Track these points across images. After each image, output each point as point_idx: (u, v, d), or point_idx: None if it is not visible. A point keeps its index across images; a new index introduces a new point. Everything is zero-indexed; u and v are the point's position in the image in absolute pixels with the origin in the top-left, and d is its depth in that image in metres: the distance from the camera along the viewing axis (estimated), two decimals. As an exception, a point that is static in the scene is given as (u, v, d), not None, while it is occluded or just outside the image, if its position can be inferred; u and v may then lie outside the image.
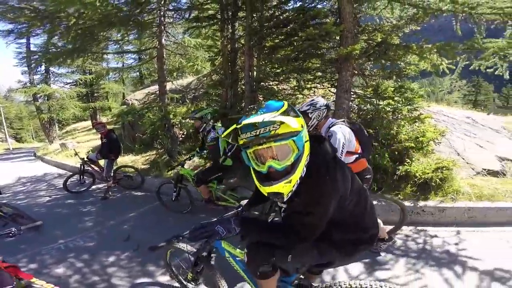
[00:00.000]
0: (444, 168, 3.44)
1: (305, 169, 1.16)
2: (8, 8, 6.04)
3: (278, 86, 5.73)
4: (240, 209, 1.85)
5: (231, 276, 1.93)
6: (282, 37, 4.74)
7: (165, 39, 6.59)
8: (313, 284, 1.58)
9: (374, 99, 4.15)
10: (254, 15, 5.18)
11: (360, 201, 1.31)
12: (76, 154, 6.38)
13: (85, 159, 5.94)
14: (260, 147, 1.10)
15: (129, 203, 5.08)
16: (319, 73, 4.95)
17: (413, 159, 3.81)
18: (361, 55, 3.89)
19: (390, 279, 2.29)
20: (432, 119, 5.00)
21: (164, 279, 2.58)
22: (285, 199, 1.19)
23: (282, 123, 1.05)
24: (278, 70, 5.12)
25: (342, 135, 2.38)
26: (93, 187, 6.22)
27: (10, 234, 1.66)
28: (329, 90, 5.30)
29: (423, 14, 3.74)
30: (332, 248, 1.35)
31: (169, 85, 7.61)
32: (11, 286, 1.23)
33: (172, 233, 3.46)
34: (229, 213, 1.84)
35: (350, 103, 4.39)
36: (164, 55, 6.69)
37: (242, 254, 1.71)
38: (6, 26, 10.64)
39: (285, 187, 1.14)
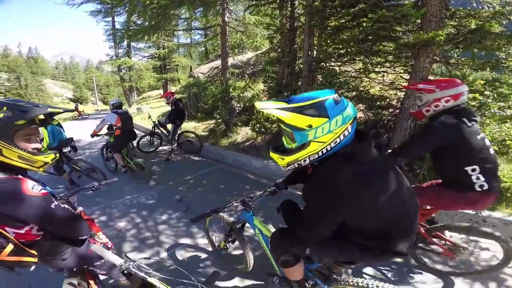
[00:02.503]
0: (530, 178, 2.84)
1: (307, 160, 1.20)
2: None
3: (341, 67, 5.34)
4: (275, 187, 1.90)
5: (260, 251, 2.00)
6: (349, 17, 4.28)
7: (227, 17, 6.73)
8: (333, 275, 1.56)
9: None
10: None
11: (397, 212, 1.16)
12: (149, 117, 7.44)
13: (156, 122, 6.79)
14: (280, 123, 1.25)
15: (187, 167, 5.65)
16: (391, 57, 4.47)
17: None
18: (447, 42, 3.32)
19: (415, 283, 2.15)
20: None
21: (202, 242, 2.86)
22: (283, 168, 1.31)
23: (278, 118, 1.14)
24: (342, 51, 4.77)
25: (108, 116, 4.71)
26: (160, 148, 7.13)
27: (93, 188, 1.90)
28: (401, 76, 4.73)
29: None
30: (355, 248, 1.27)
31: (230, 61, 7.86)
32: (87, 236, 1.42)
33: (218, 199, 3.76)
34: (267, 190, 1.90)
35: None
36: (227, 32, 6.87)
37: (270, 233, 1.75)
38: (95, 7, 12.34)
39: (278, 160, 1.28)
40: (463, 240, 2.66)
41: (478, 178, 1.76)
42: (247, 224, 2.05)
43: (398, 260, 2.39)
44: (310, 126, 1.11)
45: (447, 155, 1.83)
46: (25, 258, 1.20)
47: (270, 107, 1.15)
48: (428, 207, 2.15)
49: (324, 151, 1.15)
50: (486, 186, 1.76)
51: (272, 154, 1.33)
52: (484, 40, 3.21)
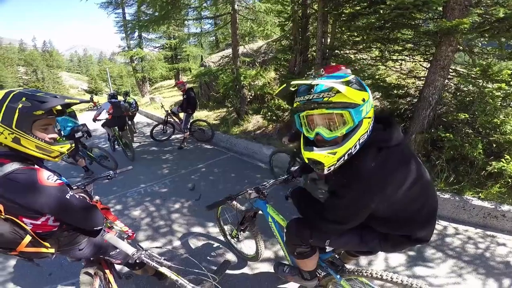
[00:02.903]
0: (556, 173, 2.70)
1: (358, 146, 1.05)
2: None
3: (356, 55, 5.17)
4: (289, 175, 1.86)
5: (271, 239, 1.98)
6: (365, 4, 4.11)
7: (237, 5, 6.63)
8: (346, 265, 1.53)
9: (479, 81, 3.41)
10: (329, -20, 4.64)
11: (419, 198, 1.13)
12: (162, 106, 7.61)
13: (169, 111, 6.91)
14: (311, 112, 1.04)
15: (199, 155, 5.73)
16: (410, 45, 4.28)
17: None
18: (471, 30, 3.20)
19: (427, 277, 2.11)
20: None
21: (214, 230, 2.89)
22: (325, 171, 1.08)
23: (338, 91, 0.96)
24: (357, 39, 4.62)
25: (104, 104, 5.95)
26: (173, 137, 7.27)
27: (108, 177, 1.91)
28: (420, 65, 4.57)
29: None
30: (376, 238, 1.24)
31: (241, 49, 7.78)
32: (102, 226, 1.41)
33: (230, 188, 3.80)
34: (281, 178, 1.87)
35: (447, 81, 3.74)
36: (237, 20, 6.77)
37: (284, 222, 1.75)
38: None
39: (327, 158, 1.04)
40: (478, 234, 2.59)
41: None
42: (259, 213, 2.04)
43: (411, 253, 2.36)
44: (363, 100, 1.01)
45: None
46: (43, 249, 1.22)
47: (325, 81, 1.01)
48: None
49: (370, 128, 1.06)
50: None
51: (312, 154, 1.05)
52: (513, 29, 3.04)
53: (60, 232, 1.31)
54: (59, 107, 1.22)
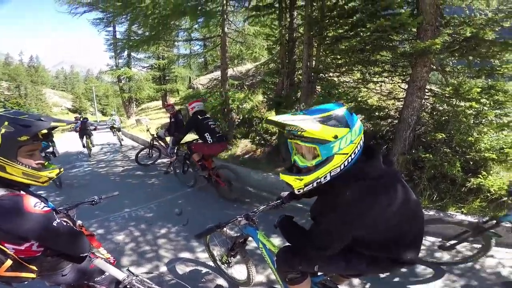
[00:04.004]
0: (531, 186, 2.85)
1: (328, 177, 1.13)
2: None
3: (339, 78, 5.42)
4: (279, 201, 1.86)
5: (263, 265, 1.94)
6: (347, 27, 4.38)
7: (227, 27, 6.83)
8: (339, 287, 1.54)
9: (453, 99, 3.61)
10: (314, 4, 4.97)
11: (404, 223, 1.17)
12: (147, 130, 7.45)
13: (155, 135, 6.79)
14: (292, 140, 1.20)
15: (186, 179, 5.49)
16: (389, 67, 4.53)
17: (491, 172, 3.23)
18: (443, 50, 3.41)
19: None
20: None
21: (203, 256, 2.79)
22: (296, 192, 1.22)
23: (303, 130, 1.07)
24: (340, 61, 4.84)
25: (78, 123, 9.09)
26: (159, 161, 7.08)
27: (93, 202, 1.86)
28: (399, 86, 4.80)
29: (532, 7, 3.02)
30: (363, 262, 1.27)
31: (229, 71, 7.95)
32: (87, 254, 1.34)
33: (218, 212, 3.71)
34: (271, 204, 1.86)
35: (423, 101, 3.94)
36: (227, 43, 6.95)
37: (275, 248, 1.75)
38: (97, 15, 12.59)
39: (295, 182, 1.18)
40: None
41: (208, 137, 4.21)
42: (249, 239, 2.02)
43: (402, 270, 2.33)
44: (335, 137, 1.07)
45: (198, 130, 4.33)
46: (23, 274, 1.17)
47: (295, 120, 1.10)
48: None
49: (346, 163, 1.12)
50: (211, 141, 4.20)
51: (285, 177, 1.22)
52: (479, 47, 3.29)
53: (43, 257, 1.26)
54: (44, 131, 1.16)
